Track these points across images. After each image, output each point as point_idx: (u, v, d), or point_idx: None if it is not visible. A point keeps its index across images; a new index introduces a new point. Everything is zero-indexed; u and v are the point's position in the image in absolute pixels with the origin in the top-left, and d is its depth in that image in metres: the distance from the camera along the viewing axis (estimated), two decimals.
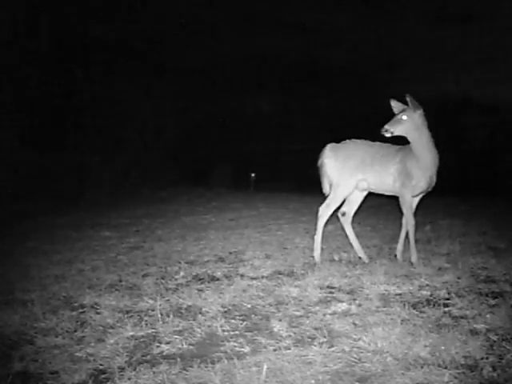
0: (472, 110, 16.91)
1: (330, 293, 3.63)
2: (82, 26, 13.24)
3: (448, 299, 3.42)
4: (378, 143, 4.61)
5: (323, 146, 4.71)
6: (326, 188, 4.70)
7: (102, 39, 13.67)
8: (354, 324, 2.97)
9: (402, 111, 4.38)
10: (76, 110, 13.15)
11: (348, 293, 3.62)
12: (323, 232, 4.68)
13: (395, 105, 4.47)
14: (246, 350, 2.65)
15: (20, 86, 11.98)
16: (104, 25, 13.63)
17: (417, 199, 4.58)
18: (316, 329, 2.90)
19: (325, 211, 4.62)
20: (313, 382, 2.30)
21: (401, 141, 4.50)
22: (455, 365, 2.40)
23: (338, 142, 4.72)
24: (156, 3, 15.23)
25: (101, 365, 2.50)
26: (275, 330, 2.92)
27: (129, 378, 2.34)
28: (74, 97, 13.22)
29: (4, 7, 11.41)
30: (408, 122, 4.35)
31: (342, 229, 4.88)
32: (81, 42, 13.16)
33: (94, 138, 13.35)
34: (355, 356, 2.52)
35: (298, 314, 3.20)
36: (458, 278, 3.92)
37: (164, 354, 2.63)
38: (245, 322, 3.06)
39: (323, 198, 4.71)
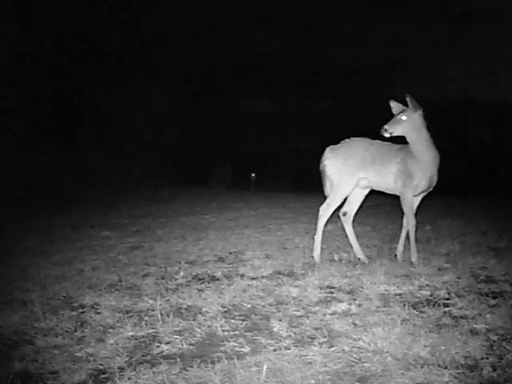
0: (473, 110, 16.90)
1: (330, 293, 3.63)
2: (83, 28, 13.25)
3: (448, 299, 3.42)
4: (378, 141, 4.61)
5: (323, 147, 4.72)
6: (327, 190, 4.70)
7: (102, 40, 13.67)
8: (354, 324, 2.97)
9: (402, 111, 4.39)
10: (77, 111, 13.15)
11: (348, 293, 3.62)
12: (323, 232, 4.68)
13: (394, 105, 4.47)
14: (246, 349, 2.65)
15: (21, 88, 11.99)
16: (104, 25, 13.62)
17: (418, 199, 4.59)
18: (316, 329, 2.90)
19: (325, 211, 4.62)
20: (313, 382, 2.29)
21: (401, 140, 4.51)
22: (455, 365, 2.39)
23: (338, 142, 4.73)
24: (156, 4, 15.22)
25: (101, 365, 2.50)
26: (275, 329, 2.92)
27: (129, 378, 2.34)
28: (74, 97, 13.22)
29: (9, 11, 11.44)
30: (407, 122, 4.36)
31: (342, 229, 4.88)
32: (82, 44, 13.17)
33: (95, 138, 13.35)
34: (355, 356, 2.52)
35: (298, 314, 3.20)
36: (458, 278, 3.92)
37: (164, 354, 2.63)
38: (245, 322, 3.06)
39: (323, 197, 4.72)
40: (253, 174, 14.73)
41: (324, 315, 3.14)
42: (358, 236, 4.86)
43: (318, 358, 2.50)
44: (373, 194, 4.89)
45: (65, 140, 12.93)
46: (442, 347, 2.56)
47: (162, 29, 15.12)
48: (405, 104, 4.40)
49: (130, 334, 2.89)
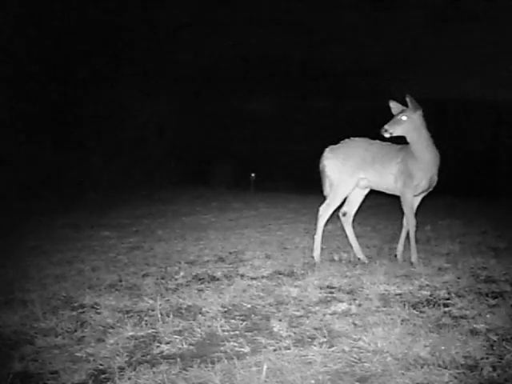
0: (473, 110, 16.90)
1: (330, 293, 3.63)
2: (83, 26, 13.25)
3: (448, 299, 3.42)
4: (378, 142, 4.61)
5: (323, 148, 4.72)
6: (326, 190, 4.70)
7: (102, 38, 13.67)
8: (354, 324, 2.97)
9: (402, 112, 4.39)
10: (76, 110, 13.15)
11: (348, 293, 3.62)
12: (323, 232, 4.68)
13: (394, 106, 4.47)
14: (246, 349, 2.65)
15: (21, 85, 11.99)
16: (105, 23, 13.62)
17: (418, 199, 4.59)
18: (316, 329, 2.90)
19: (325, 211, 4.62)
20: (313, 382, 2.30)
21: (401, 140, 4.51)
22: (455, 365, 2.39)
23: (337, 142, 4.73)
24: (156, 3, 15.23)
25: (101, 365, 2.50)
26: (275, 329, 2.92)
27: (129, 378, 2.34)
28: (74, 97, 13.22)
29: (6, 7, 11.43)
30: (407, 122, 4.36)
31: (342, 229, 4.88)
32: (82, 42, 13.16)
33: (95, 137, 13.35)
34: (355, 356, 2.52)
35: (298, 314, 3.20)
36: (458, 278, 3.92)
37: (164, 354, 2.63)
38: (245, 322, 3.06)
39: (323, 197, 4.72)
40: (253, 174, 14.72)
41: (324, 315, 3.14)
42: (358, 236, 4.86)
43: (318, 358, 2.50)
44: (373, 194, 4.89)
45: (64, 140, 12.93)
46: (442, 347, 2.56)
47: (162, 28, 15.12)
48: (405, 104, 4.40)
49: (130, 333, 2.89)
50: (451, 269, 4.20)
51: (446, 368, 2.36)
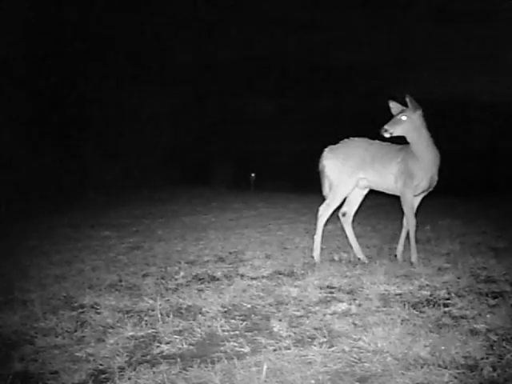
0: (473, 110, 16.90)
1: (330, 293, 3.63)
2: (82, 26, 13.25)
3: (448, 299, 3.42)
4: (377, 142, 4.61)
5: (322, 148, 4.71)
6: (326, 190, 4.70)
7: (102, 39, 13.67)
8: (354, 324, 2.97)
9: (402, 112, 4.39)
10: (76, 110, 13.15)
11: (348, 293, 3.62)
12: (323, 232, 4.68)
13: (394, 106, 4.47)
14: (246, 350, 2.65)
15: (20, 85, 11.99)
16: (105, 25, 13.62)
17: (418, 199, 4.59)
18: (316, 329, 2.90)
19: (325, 211, 4.62)
20: (313, 381, 2.30)
21: (400, 140, 4.51)
22: (455, 365, 2.39)
23: (337, 142, 4.73)
24: (156, 3, 15.23)
25: (101, 365, 2.50)
26: (275, 329, 2.92)
27: (129, 378, 2.34)
28: (74, 97, 13.22)
29: (5, 8, 11.43)
30: (407, 122, 4.36)
31: (342, 229, 4.88)
32: (82, 43, 13.16)
33: (95, 137, 13.36)
34: (355, 356, 2.52)
35: (298, 314, 3.20)
36: (458, 278, 3.92)
37: (164, 354, 2.63)
38: (245, 322, 3.06)
39: (323, 197, 4.72)
40: (253, 174, 14.74)
41: (324, 315, 3.14)
42: (358, 236, 4.86)
43: (318, 358, 2.50)
44: (373, 194, 4.89)
45: (64, 140, 12.93)
46: (442, 347, 2.56)
47: (162, 28, 15.12)
48: (405, 104, 4.40)
49: (130, 333, 2.89)
50: (451, 269, 4.20)
51: (446, 368, 2.36)
